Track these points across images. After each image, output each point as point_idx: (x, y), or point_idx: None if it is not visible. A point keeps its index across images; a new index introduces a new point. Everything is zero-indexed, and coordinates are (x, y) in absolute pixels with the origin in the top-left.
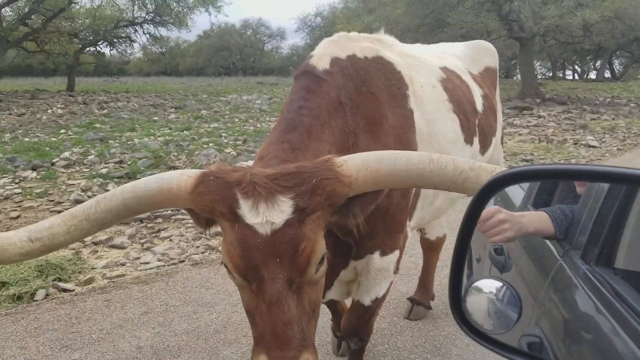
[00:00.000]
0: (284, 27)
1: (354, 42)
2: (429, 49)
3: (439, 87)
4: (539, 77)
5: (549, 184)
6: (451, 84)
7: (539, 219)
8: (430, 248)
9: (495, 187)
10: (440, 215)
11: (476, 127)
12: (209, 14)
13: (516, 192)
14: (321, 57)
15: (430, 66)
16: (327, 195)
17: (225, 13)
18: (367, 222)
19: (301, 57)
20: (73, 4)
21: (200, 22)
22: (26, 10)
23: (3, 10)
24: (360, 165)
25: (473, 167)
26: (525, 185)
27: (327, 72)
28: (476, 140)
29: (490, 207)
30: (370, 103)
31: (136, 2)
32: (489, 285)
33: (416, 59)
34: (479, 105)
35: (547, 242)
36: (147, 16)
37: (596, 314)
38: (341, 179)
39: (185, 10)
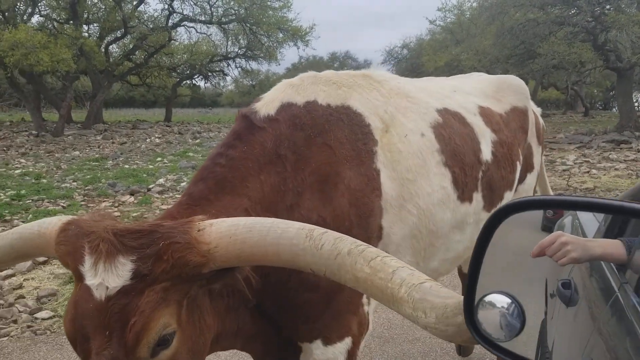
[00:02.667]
0: (370, 59)
1: (320, 85)
2: (437, 84)
3: (429, 135)
4: None
5: (619, 221)
6: (448, 130)
7: (610, 243)
8: None
9: (500, 217)
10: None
11: (478, 181)
12: (297, 48)
13: (591, 228)
14: (270, 101)
15: (424, 108)
16: (174, 264)
17: (313, 47)
18: (303, 301)
19: None
20: (173, 41)
21: (290, 55)
22: (131, 46)
23: (110, 47)
24: (224, 232)
25: (352, 252)
26: (597, 221)
27: (269, 119)
28: (477, 196)
29: (552, 233)
30: (324, 157)
31: (230, 38)
32: (501, 300)
33: (409, 99)
34: (487, 153)
35: (608, 272)
36: (239, 51)
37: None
38: (195, 246)
39: (275, 44)
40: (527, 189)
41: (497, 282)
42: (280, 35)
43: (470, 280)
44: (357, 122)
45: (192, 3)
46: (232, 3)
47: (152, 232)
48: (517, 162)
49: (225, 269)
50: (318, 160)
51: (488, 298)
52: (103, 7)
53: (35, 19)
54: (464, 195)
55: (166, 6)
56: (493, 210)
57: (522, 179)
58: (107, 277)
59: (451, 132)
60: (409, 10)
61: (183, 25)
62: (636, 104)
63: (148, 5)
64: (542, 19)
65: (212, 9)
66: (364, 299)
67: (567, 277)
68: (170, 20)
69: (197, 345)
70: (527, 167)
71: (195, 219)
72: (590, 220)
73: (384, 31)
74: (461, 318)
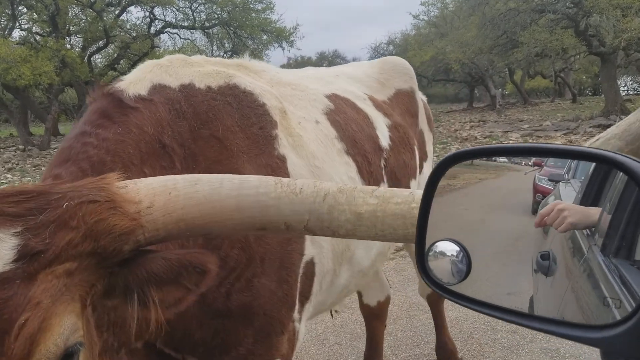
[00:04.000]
0: (359, 57)
1: (193, 67)
2: (319, 72)
3: (324, 123)
4: (631, 92)
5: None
6: (342, 116)
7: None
8: (373, 316)
9: (446, 165)
10: (349, 294)
11: (382, 170)
12: (282, 49)
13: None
14: (137, 81)
15: (314, 95)
16: (86, 233)
17: (298, 47)
18: (219, 325)
19: None
20: (156, 48)
21: (277, 57)
22: (115, 56)
23: (95, 57)
24: (158, 188)
25: (344, 190)
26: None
27: (141, 99)
28: (384, 186)
29: (551, 203)
30: (214, 153)
31: (214, 43)
32: (450, 248)
33: (294, 87)
34: (384, 139)
35: (579, 237)
36: (224, 55)
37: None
38: (121, 206)
39: (260, 47)
40: (425, 179)
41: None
42: (265, 37)
43: (418, 232)
44: (248, 103)
45: (174, 9)
46: (214, 7)
47: (44, 194)
48: (415, 147)
49: (144, 255)
50: (207, 158)
51: (438, 245)
52: (84, 17)
53: (17, 33)
54: (371, 185)
55: (147, 13)
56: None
57: (419, 169)
58: None
59: (346, 119)
60: (398, 6)
61: (166, 32)
62: (623, 88)
63: (130, 14)
64: (523, 8)
65: (195, 14)
66: (295, 314)
67: (545, 250)
68: (152, 28)
69: None
70: (422, 156)
71: (110, 176)
72: (570, 193)
73: (373, 28)
74: None
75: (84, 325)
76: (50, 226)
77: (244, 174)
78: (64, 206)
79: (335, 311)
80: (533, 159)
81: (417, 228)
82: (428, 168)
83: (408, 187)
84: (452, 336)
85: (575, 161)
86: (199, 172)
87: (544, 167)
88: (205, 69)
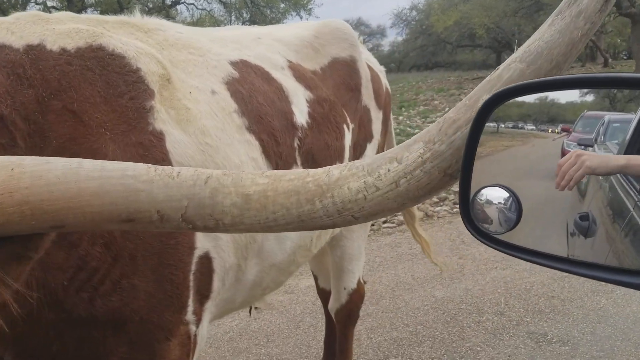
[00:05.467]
0: (384, 25)
1: (48, 24)
2: (238, 34)
3: (223, 93)
4: None
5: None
6: (247, 86)
7: (634, 156)
8: (342, 315)
9: (503, 97)
10: (268, 291)
11: (296, 152)
12: (300, 18)
13: None
14: None
15: (215, 61)
16: None
17: (316, 15)
18: (84, 334)
19: (402, 54)
20: (171, 19)
21: None
22: None
23: None
24: None
25: (228, 173)
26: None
27: None
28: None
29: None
30: (68, 129)
31: (233, 13)
32: (498, 195)
33: (193, 50)
34: (301, 116)
35: (623, 194)
36: (242, 25)
37: None
38: None
39: (278, 16)
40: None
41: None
42: (282, 5)
43: (462, 178)
44: (116, 69)
45: None
46: None
47: None
48: (345, 126)
49: None
50: (60, 135)
51: (484, 192)
52: None
53: (31, 7)
54: (280, 169)
55: None
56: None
57: (362, 150)
58: None
59: (252, 90)
60: None
61: (183, 3)
62: None
63: None
64: None
65: None
66: (188, 316)
67: (585, 211)
68: None
69: None
70: (366, 136)
71: None
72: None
73: None
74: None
75: None
76: None
77: (107, 154)
78: None
79: (256, 308)
80: (560, 125)
81: (461, 173)
82: (372, 150)
83: None
84: (435, 318)
85: (606, 124)
86: (49, 152)
87: (573, 133)
88: (62, 27)
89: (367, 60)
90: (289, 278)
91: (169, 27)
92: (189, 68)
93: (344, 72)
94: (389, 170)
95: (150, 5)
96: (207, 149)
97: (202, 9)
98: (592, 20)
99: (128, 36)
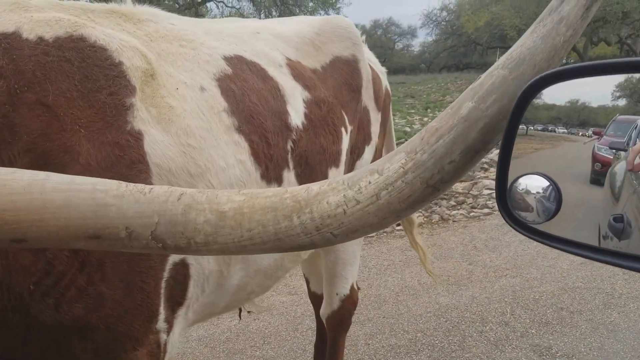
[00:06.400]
0: (414, 25)
1: (27, 12)
2: (236, 28)
3: (212, 90)
4: None
5: None
6: (240, 84)
7: None
8: (334, 321)
9: (545, 81)
10: (254, 295)
11: (288, 155)
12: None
13: None
14: None
15: (207, 55)
16: None
17: (345, 14)
18: (50, 339)
19: (432, 54)
20: (199, 16)
21: None
22: None
23: None
24: None
25: (204, 191)
26: None
27: None
28: (289, 175)
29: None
30: (40, 124)
31: (262, 11)
32: (537, 185)
33: (185, 43)
34: (297, 117)
35: None
36: None
37: None
38: None
39: (307, 14)
40: (365, 165)
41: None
42: (311, 3)
43: (500, 166)
44: (97, 62)
45: None
46: None
47: None
48: (343, 129)
49: None
50: (31, 130)
51: (522, 181)
52: None
53: None
54: (270, 173)
55: None
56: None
57: (359, 153)
58: None
59: (245, 87)
60: None
61: (212, 0)
62: None
63: None
64: None
65: None
66: (159, 325)
67: (619, 212)
68: None
69: None
70: (365, 138)
71: None
72: None
73: None
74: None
75: None
76: None
77: (80, 152)
78: None
79: (248, 312)
80: (592, 129)
81: (499, 161)
82: (370, 153)
83: (325, 176)
84: (437, 325)
85: (639, 129)
86: (19, 148)
87: (604, 137)
88: (41, 15)
89: (368, 59)
90: (276, 282)
91: (162, 17)
92: (178, 62)
93: (345, 72)
94: (369, 183)
95: (181, 2)
96: (189, 151)
97: (231, 7)
98: (574, 27)
99: (114, 27)
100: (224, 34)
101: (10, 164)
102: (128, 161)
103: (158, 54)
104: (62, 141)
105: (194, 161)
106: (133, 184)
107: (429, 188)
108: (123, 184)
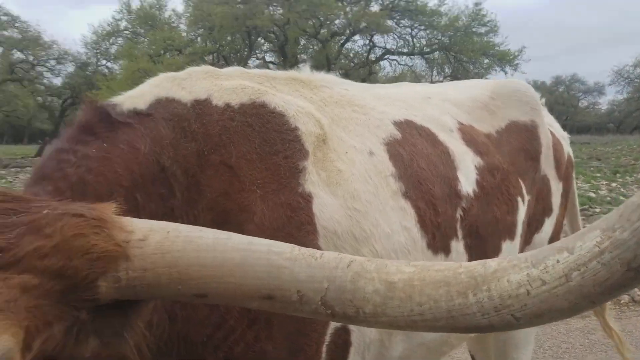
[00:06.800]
0: (602, 82)
1: (218, 80)
2: (406, 92)
3: (381, 155)
4: None
5: None
6: (408, 148)
7: None
8: None
9: None
10: None
11: (457, 223)
12: (505, 74)
13: None
14: (139, 95)
15: (377, 120)
16: (62, 244)
17: (523, 71)
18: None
19: (623, 113)
20: (373, 74)
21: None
22: None
23: None
24: (156, 225)
25: (374, 260)
26: None
27: (137, 113)
28: (458, 246)
29: None
30: (222, 184)
31: (435, 68)
32: None
33: (356, 108)
34: (468, 184)
35: None
36: (444, 80)
37: None
38: (109, 228)
39: (482, 71)
40: (544, 238)
41: None
42: (486, 60)
43: None
44: (275, 127)
45: (395, 36)
46: (435, 33)
47: (26, 200)
48: (519, 198)
49: (123, 306)
50: (214, 189)
51: None
52: (311, 47)
53: (252, 61)
54: (436, 242)
55: (367, 41)
56: None
57: (538, 225)
58: None
59: (413, 152)
60: None
61: (386, 59)
62: None
63: (354, 42)
64: None
65: (415, 40)
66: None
67: None
68: (372, 55)
69: None
70: (545, 210)
71: (107, 204)
72: None
73: (626, 48)
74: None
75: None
76: (20, 227)
77: (255, 211)
78: (44, 212)
79: None
80: None
81: None
82: (550, 226)
83: (498, 248)
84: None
85: None
86: (203, 205)
87: None
88: (229, 83)
89: (549, 125)
90: (441, 358)
91: (336, 83)
92: (350, 126)
93: (522, 138)
94: (557, 262)
95: (356, 61)
96: (354, 214)
97: (404, 65)
98: None
99: (293, 93)
100: (394, 99)
101: (195, 220)
102: (298, 222)
103: (332, 118)
104: (240, 200)
105: (359, 225)
106: (305, 248)
107: (630, 272)
108: (296, 247)
